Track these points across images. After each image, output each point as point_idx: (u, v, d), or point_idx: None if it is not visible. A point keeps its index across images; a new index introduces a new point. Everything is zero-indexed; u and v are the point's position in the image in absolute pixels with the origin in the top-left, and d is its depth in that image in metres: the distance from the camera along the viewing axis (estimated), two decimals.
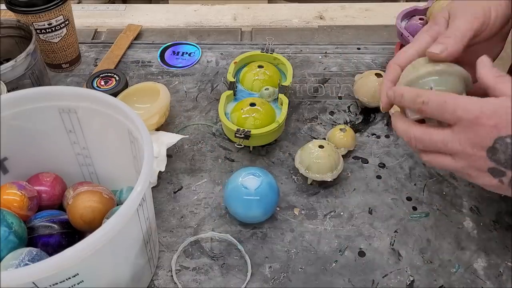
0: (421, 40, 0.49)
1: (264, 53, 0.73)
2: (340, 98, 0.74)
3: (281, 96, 0.66)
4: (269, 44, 0.73)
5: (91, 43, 0.85)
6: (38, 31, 0.71)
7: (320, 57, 0.81)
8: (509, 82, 0.41)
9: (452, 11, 0.49)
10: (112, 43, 0.83)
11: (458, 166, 0.44)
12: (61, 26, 0.73)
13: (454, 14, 0.48)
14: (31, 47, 0.64)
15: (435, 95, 0.43)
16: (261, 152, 0.66)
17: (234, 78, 0.70)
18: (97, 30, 0.89)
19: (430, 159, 0.46)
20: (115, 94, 0.66)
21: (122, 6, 0.95)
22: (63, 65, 0.78)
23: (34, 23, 0.70)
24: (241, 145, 0.62)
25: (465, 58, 0.48)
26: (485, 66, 0.44)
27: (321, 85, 0.76)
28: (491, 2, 0.48)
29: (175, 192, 0.62)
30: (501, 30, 0.50)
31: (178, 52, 0.82)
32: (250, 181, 0.55)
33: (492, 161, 0.41)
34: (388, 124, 0.70)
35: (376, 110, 0.72)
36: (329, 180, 0.59)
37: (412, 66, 0.47)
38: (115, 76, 0.69)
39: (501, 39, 0.52)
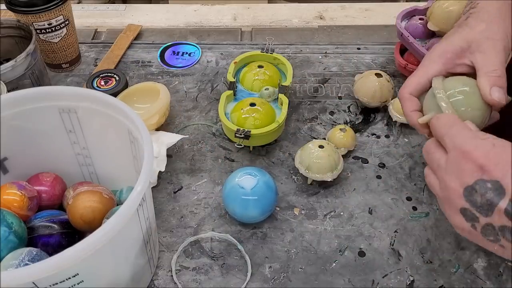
0: (434, 69, 0.47)
1: (264, 53, 0.73)
2: (340, 98, 0.74)
3: (281, 96, 0.66)
4: (269, 44, 0.73)
5: (91, 43, 0.85)
6: (38, 31, 0.71)
7: (320, 57, 0.81)
8: None
9: (476, 43, 0.46)
10: (112, 43, 0.83)
11: (439, 194, 0.42)
12: (61, 26, 0.73)
13: (481, 47, 0.45)
14: (31, 47, 0.64)
15: (449, 117, 0.42)
16: (261, 152, 0.66)
17: (234, 78, 0.70)
18: (97, 30, 0.89)
19: (427, 174, 0.44)
20: (115, 94, 0.66)
21: (122, 6, 0.95)
22: (63, 65, 0.78)
23: (34, 23, 0.70)
24: (241, 145, 0.62)
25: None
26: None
27: (321, 85, 0.76)
28: (507, 29, 0.46)
29: (175, 192, 0.62)
30: None
31: (178, 52, 0.82)
32: (246, 180, 0.55)
33: (467, 201, 0.39)
34: (388, 124, 0.70)
35: (376, 110, 0.72)
36: (329, 180, 0.59)
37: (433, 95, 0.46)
38: (115, 76, 0.69)
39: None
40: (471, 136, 0.40)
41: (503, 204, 0.36)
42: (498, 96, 0.43)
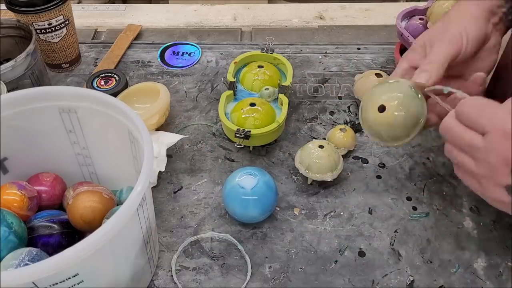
0: (400, 69, 0.53)
1: (264, 53, 0.73)
2: (340, 98, 0.74)
3: (281, 96, 0.66)
4: (269, 44, 0.73)
5: (91, 43, 0.85)
6: (38, 31, 0.71)
7: (320, 57, 0.81)
8: None
9: (429, 39, 0.52)
10: (112, 43, 0.83)
11: (478, 172, 0.44)
12: (61, 26, 0.73)
13: (431, 42, 0.52)
14: (31, 47, 0.64)
15: (476, 99, 0.44)
16: (261, 152, 0.66)
17: (234, 78, 0.70)
18: (97, 30, 0.89)
19: (453, 153, 0.46)
20: (115, 94, 0.66)
21: (122, 6, 0.95)
22: (63, 65, 0.78)
23: (34, 23, 0.70)
24: (241, 145, 0.62)
25: (460, 72, 0.53)
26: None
27: (321, 85, 0.76)
28: (461, 28, 0.51)
29: (175, 192, 0.62)
30: (479, 49, 0.53)
31: (178, 52, 0.82)
32: (246, 180, 0.55)
33: None
34: None
35: None
36: (329, 180, 0.59)
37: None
38: (115, 76, 0.69)
39: (489, 53, 0.54)
40: (509, 116, 0.41)
41: None
42: (420, 77, 0.49)
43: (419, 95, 0.50)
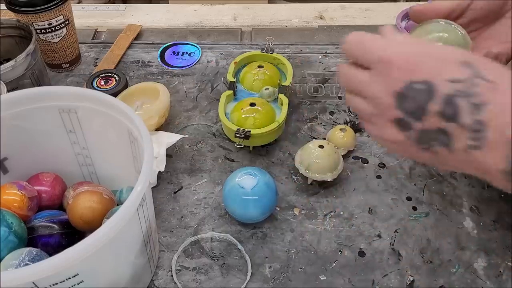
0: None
1: (264, 53, 0.73)
2: (340, 98, 0.74)
3: (281, 96, 0.66)
4: (269, 44, 0.73)
5: (91, 43, 0.85)
6: (38, 31, 0.71)
7: (320, 57, 0.81)
8: None
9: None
10: (112, 43, 0.83)
11: (367, 110, 0.40)
12: (61, 26, 0.73)
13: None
14: (31, 47, 0.64)
15: (355, 35, 0.41)
16: (261, 152, 0.66)
17: (234, 78, 0.70)
18: (97, 30, 0.89)
19: (350, 100, 0.43)
20: (115, 94, 0.66)
21: (122, 6, 0.95)
22: (63, 65, 0.78)
23: (34, 23, 0.70)
24: (241, 145, 0.62)
25: (479, 44, 0.48)
26: None
27: (321, 85, 0.76)
28: None
29: (175, 192, 0.62)
30: (493, 11, 0.48)
31: (178, 52, 0.82)
32: (246, 180, 0.55)
33: (399, 110, 0.37)
34: None
35: None
36: (329, 180, 0.59)
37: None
38: (115, 76, 0.69)
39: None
40: (388, 44, 0.39)
41: (436, 104, 0.35)
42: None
43: (469, 46, 0.47)
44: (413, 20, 0.49)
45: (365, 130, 0.42)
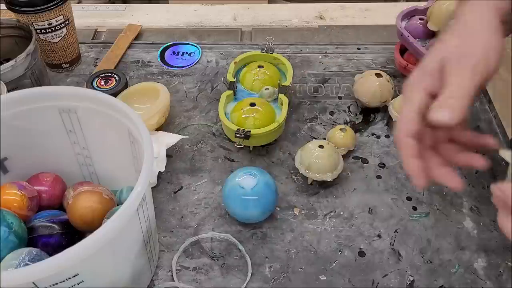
0: (417, 99, 0.41)
1: (264, 53, 0.73)
2: (340, 98, 0.74)
3: (281, 96, 0.66)
4: (269, 44, 0.73)
5: (91, 43, 0.85)
6: (38, 31, 0.71)
7: (320, 57, 0.81)
8: None
9: (447, 62, 0.41)
10: (112, 43, 0.83)
11: None
12: (61, 26, 0.73)
13: (449, 67, 0.41)
14: (31, 47, 0.64)
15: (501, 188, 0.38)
16: (261, 152, 0.66)
17: (234, 78, 0.70)
18: (97, 30, 0.89)
19: (504, 220, 0.40)
20: (115, 94, 0.66)
21: (122, 6, 0.95)
22: (63, 65, 0.78)
23: (34, 23, 0.70)
24: (241, 145, 0.62)
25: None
26: None
27: (321, 85, 0.76)
28: (486, 47, 0.41)
29: (175, 192, 0.62)
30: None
31: (178, 52, 0.82)
32: (246, 180, 0.55)
33: None
34: (388, 124, 0.70)
35: (376, 110, 0.72)
36: (329, 180, 0.59)
37: None
38: (115, 76, 0.69)
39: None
40: None
41: None
42: (441, 115, 0.39)
43: None
44: None
45: None
